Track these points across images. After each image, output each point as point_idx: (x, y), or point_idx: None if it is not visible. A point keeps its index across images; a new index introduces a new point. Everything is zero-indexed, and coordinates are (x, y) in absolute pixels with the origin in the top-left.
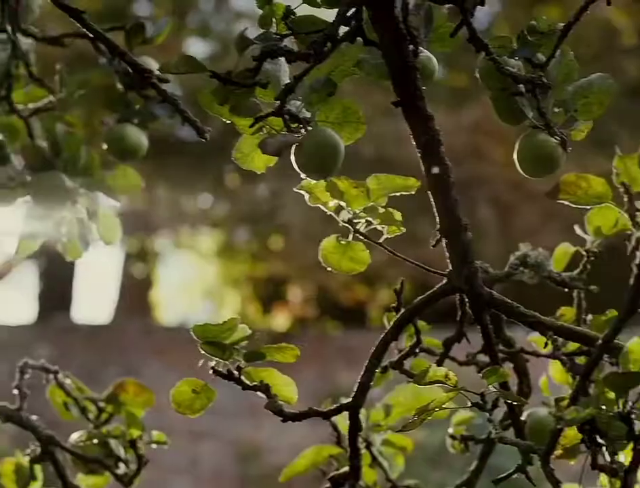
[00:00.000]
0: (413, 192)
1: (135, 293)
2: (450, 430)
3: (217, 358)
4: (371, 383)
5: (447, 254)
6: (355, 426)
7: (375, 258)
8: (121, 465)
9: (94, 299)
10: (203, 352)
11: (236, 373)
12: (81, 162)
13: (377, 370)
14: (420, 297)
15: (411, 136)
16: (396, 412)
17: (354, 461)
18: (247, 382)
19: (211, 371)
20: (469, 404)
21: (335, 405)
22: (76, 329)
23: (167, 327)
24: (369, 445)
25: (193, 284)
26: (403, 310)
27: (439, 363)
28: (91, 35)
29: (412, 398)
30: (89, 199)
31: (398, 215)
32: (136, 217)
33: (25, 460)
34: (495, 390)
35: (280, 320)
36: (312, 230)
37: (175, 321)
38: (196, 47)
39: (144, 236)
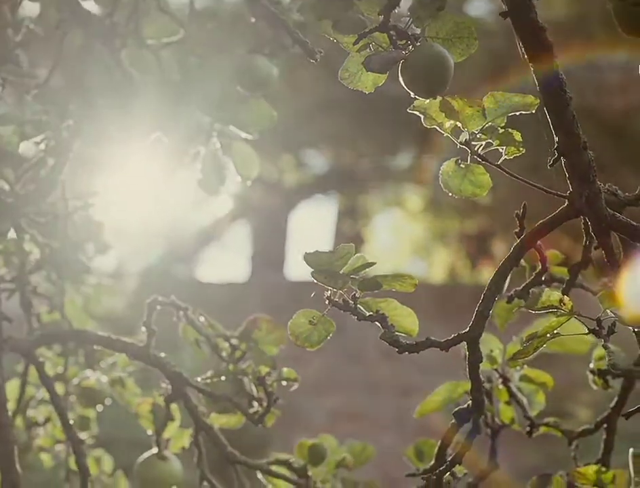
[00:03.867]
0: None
1: None
2: (591, 365)
3: (330, 287)
4: (490, 312)
5: (567, 175)
6: (475, 357)
7: None
8: (255, 403)
9: None
10: (315, 280)
11: (351, 302)
12: (214, 96)
13: (495, 298)
14: (541, 221)
15: (521, 49)
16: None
17: (476, 394)
18: (364, 312)
19: (326, 301)
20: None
21: (452, 335)
22: (287, 287)
23: None
24: (505, 381)
25: (402, 241)
26: (523, 235)
27: (565, 292)
28: None
29: None
30: (223, 133)
31: (518, 136)
32: (346, 174)
33: (161, 400)
34: (613, 315)
35: (487, 274)
36: (517, 183)
37: None
38: None
39: (355, 194)
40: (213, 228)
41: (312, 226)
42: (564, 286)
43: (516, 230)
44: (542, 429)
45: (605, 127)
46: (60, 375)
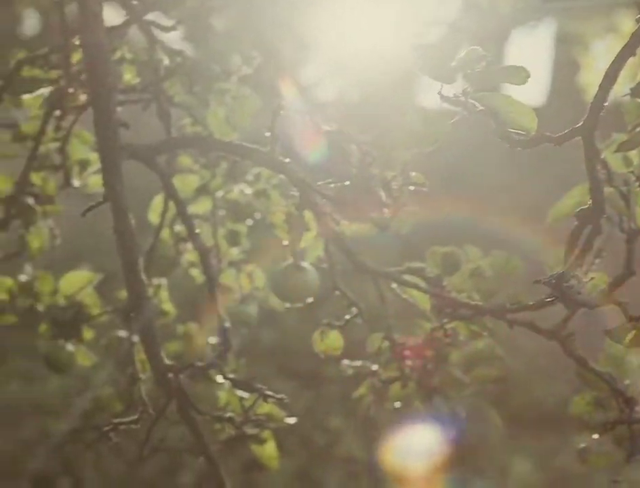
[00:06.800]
0: None
1: (564, 76)
2: None
3: (440, 82)
4: (605, 102)
5: None
6: (591, 152)
7: None
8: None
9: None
10: (426, 76)
11: (462, 97)
12: None
13: (611, 88)
14: None
15: None
16: None
17: (595, 194)
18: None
19: (439, 97)
20: None
21: (566, 130)
22: None
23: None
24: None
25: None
26: None
27: None
28: None
29: None
30: None
31: None
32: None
33: (293, 209)
34: None
35: None
36: None
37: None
38: None
39: (571, 20)
40: None
41: (529, 54)
42: None
43: (638, 16)
44: None
45: None
46: (204, 187)
